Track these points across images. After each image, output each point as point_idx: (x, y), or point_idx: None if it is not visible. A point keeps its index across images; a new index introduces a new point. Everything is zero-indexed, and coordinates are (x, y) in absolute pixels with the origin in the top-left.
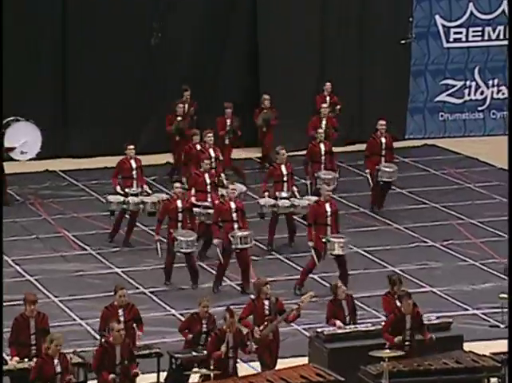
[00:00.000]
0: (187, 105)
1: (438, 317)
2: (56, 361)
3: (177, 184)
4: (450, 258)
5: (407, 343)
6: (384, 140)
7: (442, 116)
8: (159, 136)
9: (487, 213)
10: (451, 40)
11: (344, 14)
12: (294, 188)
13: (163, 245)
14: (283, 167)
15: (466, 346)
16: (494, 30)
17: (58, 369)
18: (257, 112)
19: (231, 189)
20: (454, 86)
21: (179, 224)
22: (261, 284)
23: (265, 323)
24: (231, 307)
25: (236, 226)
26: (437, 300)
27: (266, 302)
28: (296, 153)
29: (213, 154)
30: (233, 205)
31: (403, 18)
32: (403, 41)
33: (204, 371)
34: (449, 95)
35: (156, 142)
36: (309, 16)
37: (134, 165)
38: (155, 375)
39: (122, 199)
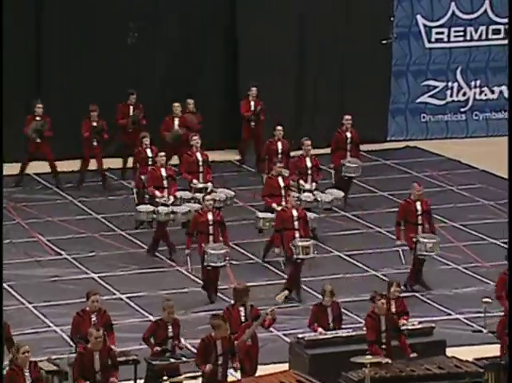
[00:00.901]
0: (131, 108)
1: (420, 322)
2: (26, 371)
3: (208, 197)
4: (433, 262)
5: (383, 346)
6: (349, 134)
7: (424, 117)
8: None
9: (470, 216)
10: (433, 40)
11: (325, 14)
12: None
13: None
14: (308, 160)
15: (449, 351)
16: (476, 30)
17: (28, 380)
18: (181, 117)
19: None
20: (436, 87)
21: (211, 237)
22: (243, 292)
23: (243, 330)
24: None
25: (297, 234)
26: (419, 304)
27: (242, 309)
28: None
29: (200, 158)
30: (295, 213)
31: (384, 18)
32: (384, 41)
33: (181, 378)
34: (431, 96)
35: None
36: (289, 16)
37: (164, 174)
38: (132, 382)
39: (152, 208)
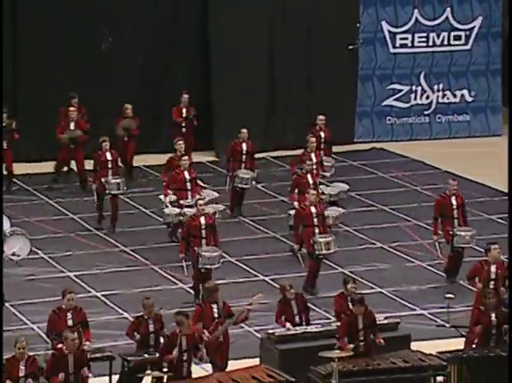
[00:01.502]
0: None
1: (386, 318)
2: (22, 364)
3: (200, 201)
4: (398, 260)
5: (361, 343)
6: (323, 134)
7: (389, 120)
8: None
9: (433, 215)
10: (397, 45)
11: (293, 20)
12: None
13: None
14: (312, 155)
15: (414, 346)
16: (438, 36)
17: (22, 372)
18: (118, 120)
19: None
20: (400, 91)
21: (203, 241)
22: (213, 290)
23: (215, 326)
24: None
25: (317, 230)
26: (385, 300)
27: (214, 306)
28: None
29: (187, 176)
30: (313, 210)
31: (350, 24)
32: (350, 47)
33: (157, 373)
34: (396, 99)
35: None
36: (258, 23)
37: (188, 177)
38: (107, 378)
39: (178, 210)
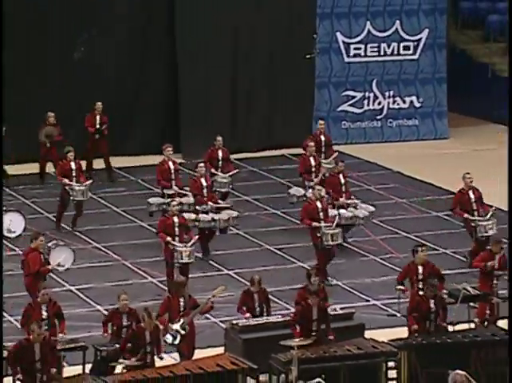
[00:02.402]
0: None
1: (342, 308)
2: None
3: (174, 202)
4: (353, 254)
5: (313, 333)
6: (323, 137)
7: (344, 124)
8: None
9: (385, 212)
10: (351, 55)
11: (255, 32)
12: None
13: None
14: (312, 159)
15: (367, 334)
16: (388, 46)
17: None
18: (41, 127)
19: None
20: (354, 97)
21: (177, 239)
22: (181, 285)
23: (181, 318)
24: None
25: (323, 223)
26: (341, 292)
27: (181, 299)
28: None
29: (172, 166)
30: (319, 204)
31: (307, 35)
32: (308, 56)
33: (128, 362)
34: (350, 105)
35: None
36: (223, 34)
37: (205, 184)
38: (81, 367)
39: (194, 216)
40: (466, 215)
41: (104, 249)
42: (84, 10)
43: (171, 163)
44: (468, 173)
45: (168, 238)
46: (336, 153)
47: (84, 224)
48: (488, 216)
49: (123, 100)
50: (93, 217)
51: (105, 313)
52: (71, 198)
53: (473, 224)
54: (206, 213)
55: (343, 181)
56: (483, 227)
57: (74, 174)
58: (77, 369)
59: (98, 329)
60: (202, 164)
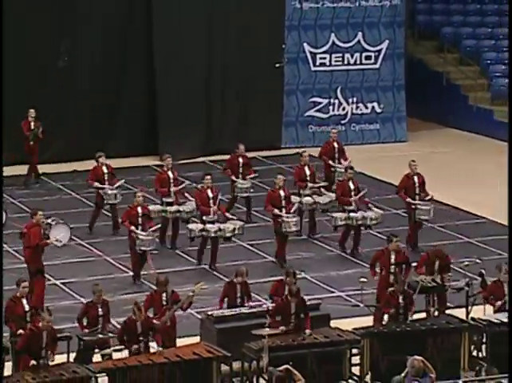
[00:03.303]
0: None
1: (309, 300)
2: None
3: (139, 193)
4: (320, 249)
5: (291, 324)
6: (336, 145)
7: (311, 128)
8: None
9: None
10: (317, 64)
11: (228, 41)
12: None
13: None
14: (306, 169)
15: (333, 323)
16: (352, 56)
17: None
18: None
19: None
20: (320, 103)
21: (139, 227)
22: (164, 282)
23: (164, 312)
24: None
25: (284, 211)
26: (308, 285)
27: (164, 294)
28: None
29: (171, 175)
30: (282, 193)
31: (276, 45)
32: (277, 65)
33: (109, 351)
34: (317, 110)
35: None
36: (198, 44)
37: (211, 195)
38: (65, 356)
39: (202, 226)
40: (408, 199)
41: (87, 245)
42: (63, 16)
43: (170, 173)
44: (414, 161)
45: (132, 227)
46: (349, 160)
47: (69, 222)
48: (427, 201)
49: (101, 102)
50: (77, 215)
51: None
52: (105, 201)
53: (413, 207)
54: (213, 223)
55: (352, 187)
56: (421, 210)
57: (106, 178)
58: (62, 358)
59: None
60: (208, 176)
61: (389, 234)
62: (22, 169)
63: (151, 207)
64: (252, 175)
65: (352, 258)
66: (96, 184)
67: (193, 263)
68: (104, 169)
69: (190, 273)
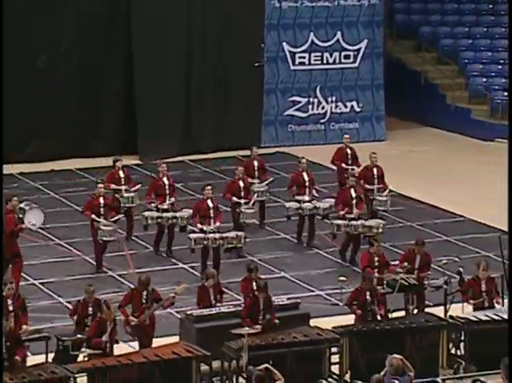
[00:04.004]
0: None
1: (288, 298)
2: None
3: (100, 185)
4: (299, 248)
5: (260, 322)
6: (349, 151)
7: (290, 127)
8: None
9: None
10: (297, 63)
11: (207, 42)
12: (314, 193)
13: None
14: (305, 174)
15: (312, 322)
16: (331, 55)
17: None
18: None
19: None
20: (300, 102)
21: (101, 217)
22: (145, 281)
23: (143, 310)
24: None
25: (243, 201)
26: (288, 284)
27: (145, 293)
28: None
29: (166, 182)
30: (241, 183)
31: (256, 45)
32: (256, 64)
33: (89, 351)
34: (296, 110)
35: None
36: (176, 46)
37: (211, 205)
38: (44, 356)
39: (203, 236)
40: (366, 186)
41: (65, 245)
42: (43, 16)
43: (165, 179)
44: (374, 153)
45: (93, 216)
46: (358, 168)
47: (47, 222)
48: (385, 193)
49: (77, 102)
50: (56, 215)
51: (67, 305)
52: (121, 205)
53: (371, 197)
54: (214, 233)
55: (354, 195)
56: (379, 201)
57: (123, 182)
58: (40, 359)
59: (60, 320)
60: (209, 187)
61: (370, 239)
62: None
63: (146, 214)
64: (268, 181)
65: (331, 257)
66: (113, 186)
67: (172, 263)
68: (121, 173)
69: (170, 272)
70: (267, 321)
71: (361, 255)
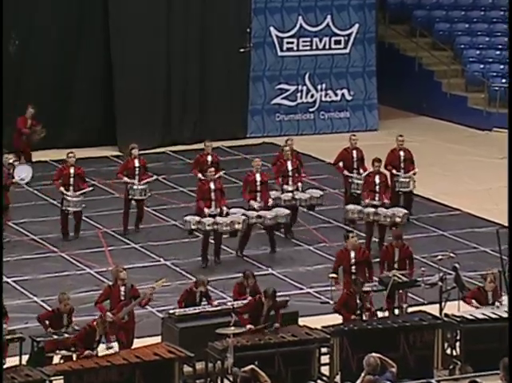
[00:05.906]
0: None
1: (277, 296)
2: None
3: (70, 155)
4: (288, 243)
5: (263, 323)
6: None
7: (278, 116)
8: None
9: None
10: (285, 49)
11: (190, 25)
12: (299, 184)
13: None
14: (289, 163)
15: (301, 321)
16: (320, 41)
17: None
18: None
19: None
20: (288, 90)
21: (71, 188)
22: (118, 271)
23: (121, 307)
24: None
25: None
26: (276, 281)
27: (122, 288)
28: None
29: (137, 164)
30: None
31: (242, 29)
32: (242, 50)
33: (64, 352)
34: (284, 98)
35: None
36: (157, 28)
37: (213, 187)
38: (17, 358)
39: (198, 219)
40: (345, 172)
41: (40, 241)
42: (19, 4)
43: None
44: (354, 135)
45: (61, 188)
46: (362, 174)
47: (21, 216)
48: (363, 175)
49: (54, 90)
50: (30, 209)
51: (42, 304)
52: (129, 197)
53: (350, 180)
54: (215, 217)
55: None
56: (356, 184)
57: (137, 172)
58: (14, 360)
59: (35, 320)
60: (212, 169)
61: (346, 231)
62: None
63: (187, 218)
64: (299, 184)
65: (321, 253)
66: (125, 179)
67: (154, 259)
68: (136, 162)
69: (151, 269)
70: (273, 329)
71: (337, 255)
